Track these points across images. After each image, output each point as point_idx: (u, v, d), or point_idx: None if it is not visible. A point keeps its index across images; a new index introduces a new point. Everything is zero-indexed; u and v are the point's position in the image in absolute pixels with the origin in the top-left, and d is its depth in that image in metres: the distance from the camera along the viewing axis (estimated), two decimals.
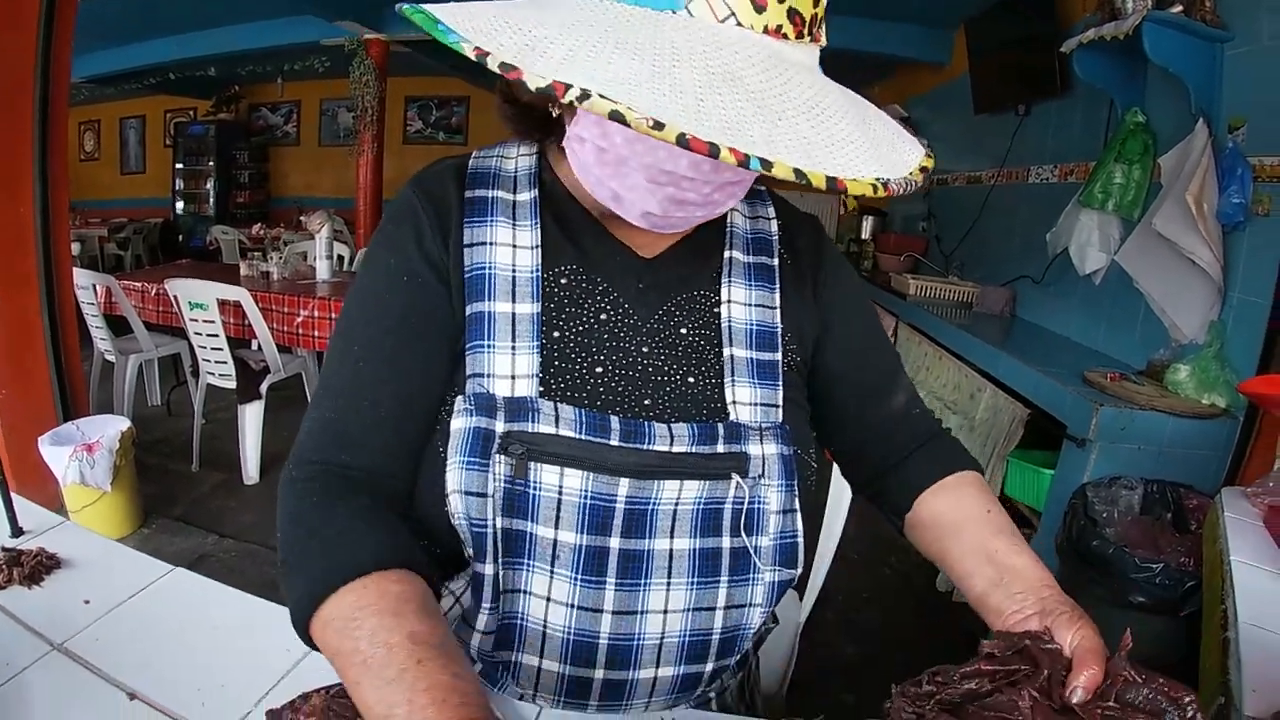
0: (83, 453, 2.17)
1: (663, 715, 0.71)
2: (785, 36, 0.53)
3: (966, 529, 0.74)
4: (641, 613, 0.67)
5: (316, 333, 3.09)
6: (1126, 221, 2.44)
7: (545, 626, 0.66)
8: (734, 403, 0.71)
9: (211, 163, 8.45)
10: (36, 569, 0.81)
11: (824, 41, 0.58)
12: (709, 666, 0.71)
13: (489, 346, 0.67)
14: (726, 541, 0.69)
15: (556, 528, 0.65)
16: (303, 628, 0.57)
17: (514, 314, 0.68)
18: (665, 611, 0.68)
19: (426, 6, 0.50)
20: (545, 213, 0.72)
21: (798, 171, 0.45)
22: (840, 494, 1.25)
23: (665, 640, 0.68)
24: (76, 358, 2.62)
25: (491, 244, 0.70)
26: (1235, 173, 1.92)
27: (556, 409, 0.66)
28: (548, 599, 0.66)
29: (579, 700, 0.69)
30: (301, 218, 4.34)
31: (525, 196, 0.72)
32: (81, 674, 0.67)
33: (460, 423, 0.65)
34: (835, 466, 0.97)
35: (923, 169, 0.54)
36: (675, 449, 0.67)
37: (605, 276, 0.72)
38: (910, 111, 4.96)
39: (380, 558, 0.57)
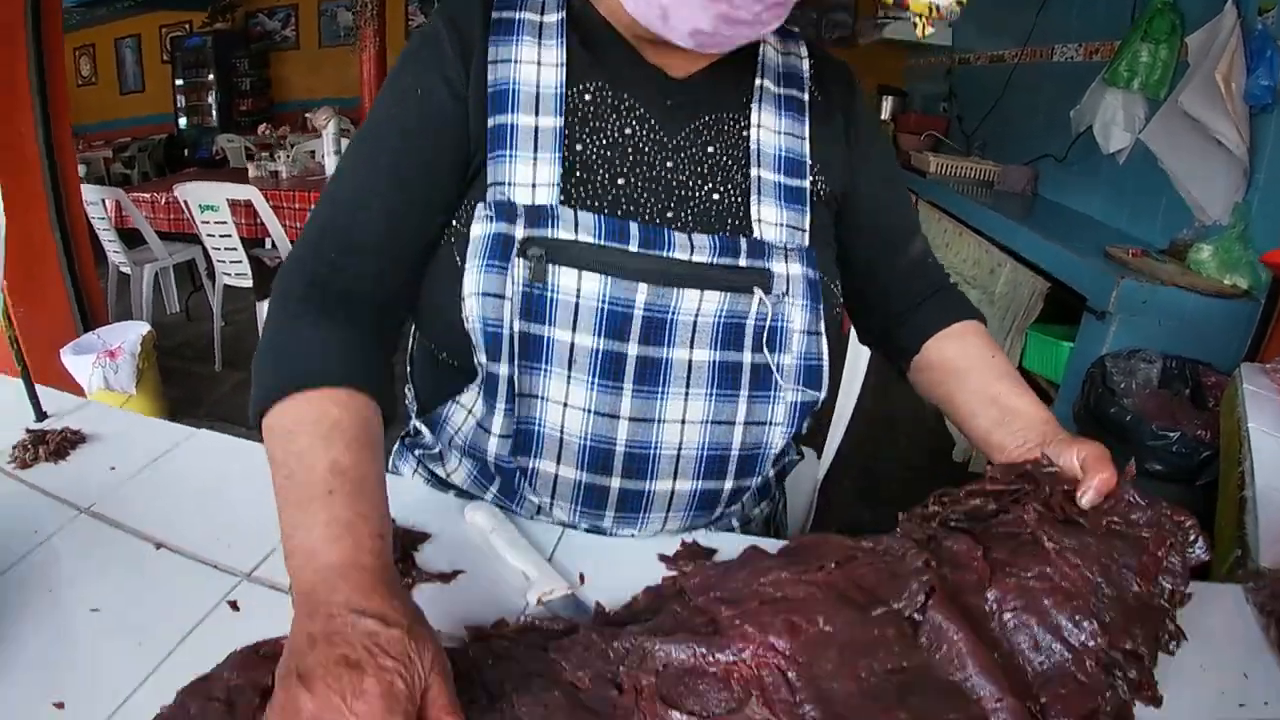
0: (105, 359, 2.21)
1: (683, 538, 0.74)
2: None
3: (972, 373, 0.77)
4: (659, 421, 0.69)
5: None
6: (1152, 101, 2.40)
7: (562, 432, 0.68)
8: (759, 220, 0.71)
9: (211, 75, 8.22)
10: (62, 444, 0.84)
11: None
12: (728, 484, 0.73)
13: (511, 156, 0.67)
14: (747, 357, 0.70)
15: (574, 331, 0.66)
16: (258, 430, 0.60)
17: (536, 127, 0.68)
18: (683, 422, 0.69)
19: None
20: (572, 33, 0.72)
21: None
22: (857, 357, 1.26)
23: (683, 451, 0.70)
24: (91, 271, 2.65)
25: (516, 61, 0.69)
26: (1264, 55, 1.89)
27: (576, 216, 0.66)
28: (565, 404, 0.68)
29: (596, 510, 0.72)
30: (307, 115, 4.27)
31: (552, 18, 0.71)
32: (109, 532, 0.70)
33: (480, 229, 0.66)
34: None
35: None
36: (696, 258, 0.68)
37: (632, 94, 0.71)
38: None
39: (330, 374, 0.59)
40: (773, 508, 0.90)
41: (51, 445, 0.84)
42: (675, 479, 0.71)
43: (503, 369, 0.66)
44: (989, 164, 3.51)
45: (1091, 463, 0.61)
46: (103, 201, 3.23)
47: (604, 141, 0.70)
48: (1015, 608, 0.53)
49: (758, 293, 0.69)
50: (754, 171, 0.72)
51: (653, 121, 0.71)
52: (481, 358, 0.67)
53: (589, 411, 0.67)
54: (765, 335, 0.70)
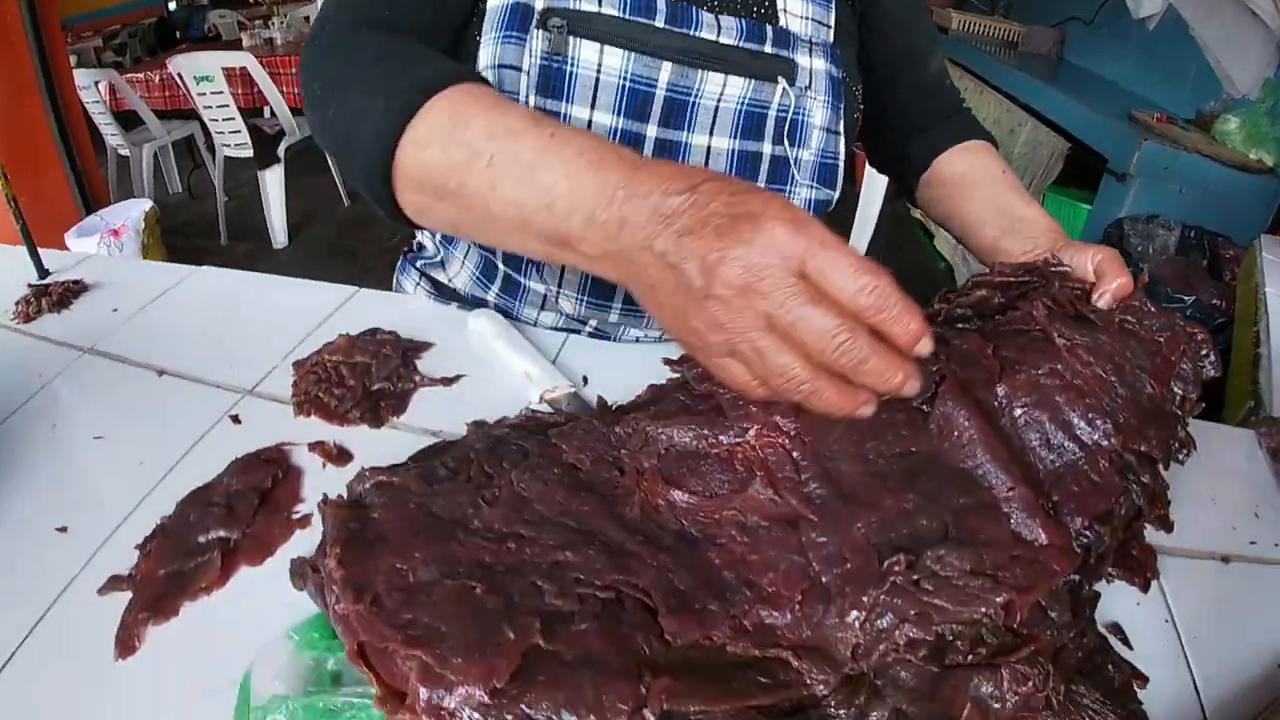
0: (110, 238, 2.22)
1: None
2: None
3: (981, 186, 0.76)
4: None
5: None
6: None
7: None
8: (785, 10, 0.69)
9: None
10: (65, 295, 0.83)
11: None
12: None
13: None
14: (767, 148, 0.69)
15: (593, 109, 0.64)
16: (385, 159, 0.51)
17: None
18: None
19: None
20: None
21: None
22: (874, 182, 1.23)
23: None
24: (90, 155, 2.63)
25: None
26: None
27: None
28: None
29: (603, 301, 0.72)
30: None
31: None
32: (112, 367, 0.70)
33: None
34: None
35: None
36: (722, 39, 0.65)
37: None
38: None
39: (456, 69, 0.53)
40: None
41: (55, 296, 0.83)
42: None
43: None
44: (1013, 24, 3.40)
45: (1108, 265, 0.58)
46: (95, 85, 3.15)
47: None
48: (1026, 404, 0.51)
49: (781, 83, 0.67)
50: None
51: None
52: None
53: None
54: (786, 128, 0.68)
